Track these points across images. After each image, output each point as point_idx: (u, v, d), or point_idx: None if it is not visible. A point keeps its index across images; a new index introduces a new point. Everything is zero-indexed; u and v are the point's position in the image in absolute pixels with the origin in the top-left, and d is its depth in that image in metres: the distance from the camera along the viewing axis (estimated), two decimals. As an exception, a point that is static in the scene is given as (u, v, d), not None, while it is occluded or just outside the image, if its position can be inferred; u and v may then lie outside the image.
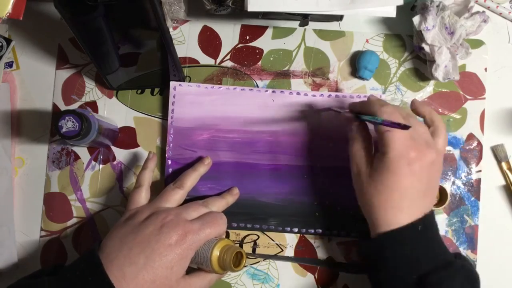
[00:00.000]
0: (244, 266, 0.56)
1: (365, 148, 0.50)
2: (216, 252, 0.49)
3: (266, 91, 0.59)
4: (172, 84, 0.59)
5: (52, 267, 0.51)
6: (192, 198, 0.57)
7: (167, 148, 0.59)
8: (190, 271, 0.50)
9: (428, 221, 0.47)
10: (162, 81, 0.59)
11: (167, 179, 0.59)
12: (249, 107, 0.59)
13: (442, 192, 0.58)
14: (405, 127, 0.44)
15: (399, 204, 0.46)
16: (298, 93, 0.59)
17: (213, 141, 0.59)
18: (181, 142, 0.59)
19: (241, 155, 0.59)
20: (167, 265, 0.46)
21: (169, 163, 0.59)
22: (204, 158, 0.57)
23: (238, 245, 0.59)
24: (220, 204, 0.55)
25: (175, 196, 0.53)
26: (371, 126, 0.51)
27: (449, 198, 0.58)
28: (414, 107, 0.52)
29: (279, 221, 0.58)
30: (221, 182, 0.59)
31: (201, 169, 0.56)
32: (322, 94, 0.59)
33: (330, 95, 0.59)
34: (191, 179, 0.55)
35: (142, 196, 0.53)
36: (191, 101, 0.59)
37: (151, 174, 0.55)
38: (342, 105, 0.59)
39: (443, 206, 0.57)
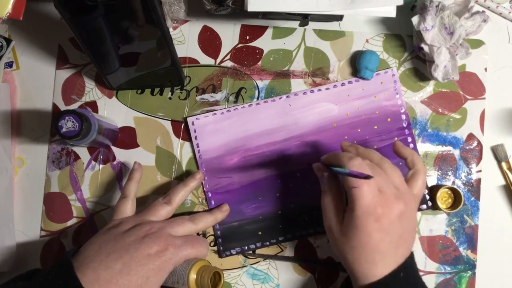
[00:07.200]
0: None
1: (335, 201, 0.49)
2: (194, 271, 0.50)
3: (281, 98, 0.59)
4: (190, 120, 0.59)
5: (28, 272, 0.51)
6: (235, 220, 0.58)
7: (203, 182, 0.59)
8: None
9: (408, 266, 0.47)
10: (162, 81, 0.59)
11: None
12: (268, 119, 0.59)
13: (457, 195, 0.57)
14: (367, 177, 0.43)
15: (372, 258, 0.46)
16: (312, 91, 0.59)
17: (244, 162, 0.59)
18: (215, 173, 0.59)
19: (276, 167, 0.59)
20: (143, 274, 0.46)
21: (210, 195, 0.59)
22: (195, 172, 0.58)
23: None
24: (207, 220, 0.55)
25: (161, 211, 0.53)
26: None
27: (463, 201, 0.57)
28: (396, 149, 0.52)
29: None
30: (265, 199, 0.59)
31: (192, 184, 0.56)
32: (335, 85, 0.59)
33: (343, 83, 0.59)
34: (180, 195, 0.55)
35: (128, 207, 0.53)
36: (212, 130, 0.59)
37: (137, 185, 0.55)
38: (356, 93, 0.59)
39: (457, 210, 0.57)
